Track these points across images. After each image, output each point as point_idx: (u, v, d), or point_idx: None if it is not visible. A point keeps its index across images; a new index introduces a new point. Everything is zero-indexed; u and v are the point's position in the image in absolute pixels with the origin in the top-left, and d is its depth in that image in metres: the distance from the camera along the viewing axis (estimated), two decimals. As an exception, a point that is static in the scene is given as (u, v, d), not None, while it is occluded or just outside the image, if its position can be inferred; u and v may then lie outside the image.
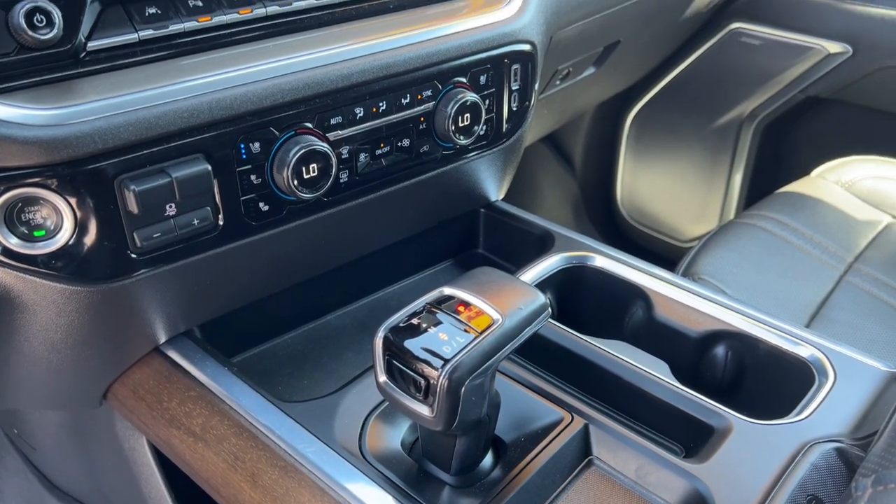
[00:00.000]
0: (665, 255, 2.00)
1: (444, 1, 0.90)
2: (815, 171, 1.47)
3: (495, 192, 1.06)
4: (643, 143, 1.95)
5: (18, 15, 0.60)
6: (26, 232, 0.65)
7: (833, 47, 1.56)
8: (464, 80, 0.88)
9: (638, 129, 1.94)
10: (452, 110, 0.86)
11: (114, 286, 0.70)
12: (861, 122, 1.66)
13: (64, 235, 0.66)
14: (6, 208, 0.63)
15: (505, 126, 0.96)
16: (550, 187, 2.03)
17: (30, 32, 0.61)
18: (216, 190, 0.72)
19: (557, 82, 1.29)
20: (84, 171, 0.64)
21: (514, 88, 0.95)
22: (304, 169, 0.75)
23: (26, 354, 0.79)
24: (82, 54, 0.66)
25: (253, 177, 0.74)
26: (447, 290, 0.65)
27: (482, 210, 1.07)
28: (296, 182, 0.75)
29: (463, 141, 0.89)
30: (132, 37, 0.68)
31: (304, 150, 0.74)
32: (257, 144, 0.73)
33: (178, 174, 0.68)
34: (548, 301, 0.68)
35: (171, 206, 0.69)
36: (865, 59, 1.54)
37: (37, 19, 0.61)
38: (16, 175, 0.62)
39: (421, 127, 0.86)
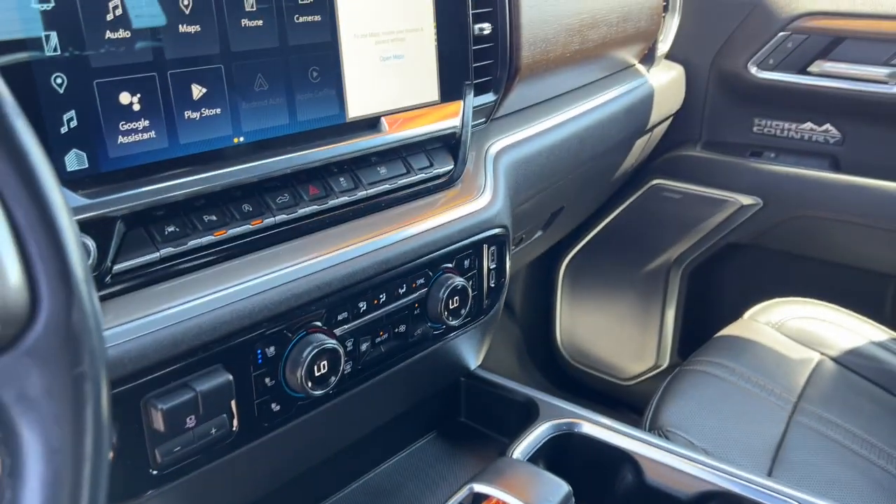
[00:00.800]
0: (607, 392, 2.08)
1: (426, 196, 0.96)
2: (747, 314, 1.59)
3: (474, 360, 1.10)
4: (578, 289, 2.06)
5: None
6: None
7: (746, 200, 1.73)
8: (451, 265, 0.94)
9: (572, 275, 2.05)
10: (444, 295, 0.91)
11: (130, 506, 0.69)
12: (779, 265, 1.82)
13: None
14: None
15: (485, 302, 1.02)
16: (494, 333, 2.09)
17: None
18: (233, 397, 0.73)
19: (513, 247, 1.38)
20: (113, 394, 0.64)
21: (491, 268, 1.01)
22: (315, 367, 0.77)
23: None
24: (107, 277, 0.68)
25: (267, 379, 0.76)
26: (478, 488, 0.67)
27: (463, 379, 1.11)
28: (308, 382, 0.77)
29: (453, 322, 0.93)
30: (154, 256, 0.71)
31: (316, 350, 0.77)
32: (272, 348, 0.75)
33: (202, 388, 0.69)
34: (570, 490, 0.71)
35: (191, 419, 0.70)
36: (775, 209, 1.71)
37: (74, 252, 0.63)
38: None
39: (416, 312, 0.91)
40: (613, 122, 1.44)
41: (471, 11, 1.00)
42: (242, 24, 0.75)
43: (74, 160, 0.66)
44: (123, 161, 0.69)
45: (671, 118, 1.77)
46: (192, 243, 0.73)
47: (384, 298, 0.86)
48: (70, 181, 0.65)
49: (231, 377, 0.71)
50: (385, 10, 0.89)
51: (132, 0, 0.67)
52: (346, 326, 0.82)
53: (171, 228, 0.73)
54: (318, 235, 0.84)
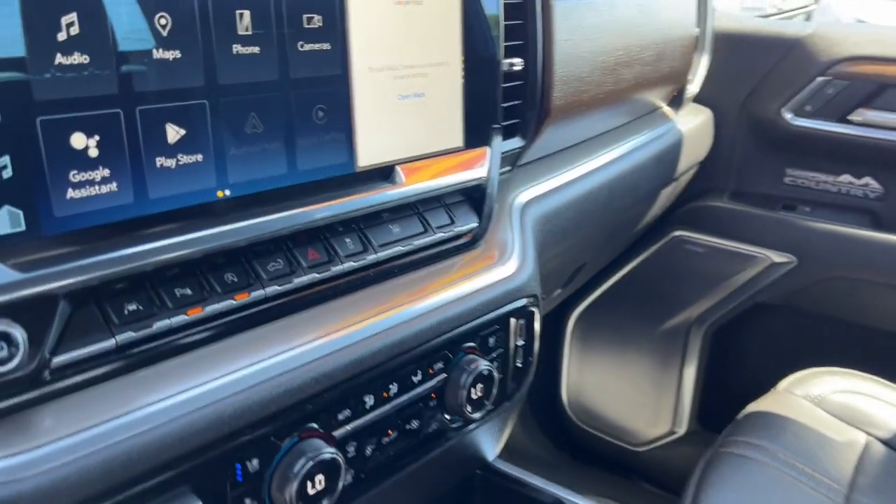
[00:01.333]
0: (617, 459, 1.91)
1: (445, 258, 0.81)
2: (782, 385, 1.44)
3: (493, 451, 0.94)
4: (589, 344, 1.90)
5: (-29, 346, 0.46)
6: None
7: (777, 257, 1.59)
8: (473, 344, 0.78)
9: (583, 329, 1.90)
10: (466, 382, 0.75)
11: None
12: (813, 329, 1.68)
13: None
14: None
15: (510, 385, 0.86)
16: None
17: (-15, 366, 0.47)
18: (203, 528, 0.57)
19: (532, 310, 1.23)
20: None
21: (519, 345, 0.86)
22: (309, 483, 0.61)
23: None
24: (45, 373, 0.52)
25: (248, 500, 0.59)
26: None
27: (478, 472, 0.95)
28: (300, 502, 0.61)
29: (475, 415, 0.78)
30: (108, 343, 0.55)
31: (311, 462, 0.61)
32: (255, 461, 0.59)
33: (165, 519, 0.53)
34: None
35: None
36: (809, 268, 1.57)
37: (-4, 348, 0.47)
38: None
39: (431, 404, 0.75)
40: (643, 171, 1.30)
41: (503, 44, 0.85)
42: (234, 50, 0.61)
43: (7, 221, 0.50)
44: (73, 221, 0.53)
45: (697, 166, 1.64)
46: (159, 326, 0.57)
47: (395, 389, 0.70)
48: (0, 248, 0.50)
49: (200, 502, 0.55)
50: (407, 39, 0.74)
51: (92, 16, 0.52)
52: (348, 427, 0.66)
53: (132, 307, 0.57)
54: (316, 311, 0.68)
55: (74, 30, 0.52)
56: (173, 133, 0.58)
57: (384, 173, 0.75)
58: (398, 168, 0.76)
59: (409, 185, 0.76)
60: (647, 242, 1.73)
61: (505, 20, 0.88)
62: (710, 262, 1.67)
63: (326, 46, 0.67)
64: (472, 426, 0.82)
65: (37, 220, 0.51)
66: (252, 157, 0.63)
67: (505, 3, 0.87)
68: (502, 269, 0.84)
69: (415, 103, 0.77)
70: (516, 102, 0.95)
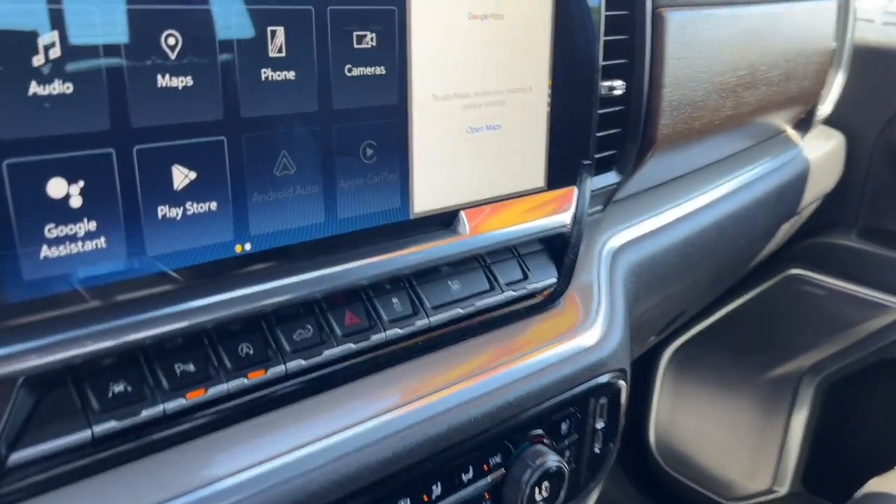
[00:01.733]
0: (706, 511, 1.73)
1: (513, 321, 0.68)
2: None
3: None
4: (683, 383, 1.73)
5: None
6: None
7: (913, 308, 1.37)
8: (541, 432, 0.65)
9: (678, 367, 1.72)
10: (530, 480, 0.62)
11: None
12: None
13: None
14: None
15: (583, 475, 0.72)
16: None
17: None
18: None
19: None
20: None
21: (598, 428, 0.72)
22: None
23: None
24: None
25: None
26: None
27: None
28: None
29: (538, 520, 0.64)
30: (82, 435, 0.45)
31: None
32: (253, 585, 0.48)
33: None
34: None
35: None
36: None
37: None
38: None
39: (484, 504, 0.62)
40: (761, 206, 1.12)
41: (601, 64, 0.71)
42: (263, 76, 0.49)
43: (-40, 286, 0.41)
44: (47, 285, 0.43)
45: (822, 197, 1.43)
46: (148, 413, 0.47)
47: (439, 492, 0.58)
48: (-49, 319, 0.40)
49: None
50: (482, 60, 0.61)
51: (79, 34, 0.42)
52: (376, 540, 0.54)
53: (118, 388, 0.47)
54: (343, 390, 0.56)
55: (55, 52, 0.41)
56: (180, 176, 0.47)
57: (445, 219, 0.62)
58: (462, 214, 0.63)
59: (474, 235, 0.63)
60: (757, 279, 1.54)
61: (605, 35, 0.74)
62: (830, 307, 1.47)
63: (380, 70, 0.55)
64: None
65: (3, 284, 0.42)
66: (281, 205, 0.52)
67: (606, 15, 0.73)
68: (584, 336, 0.70)
69: (487, 137, 0.64)
70: (614, 131, 0.81)
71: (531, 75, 0.66)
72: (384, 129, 0.57)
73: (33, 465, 0.43)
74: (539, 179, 0.70)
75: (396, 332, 0.59)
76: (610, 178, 0.82)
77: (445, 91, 0.60)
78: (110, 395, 0.46)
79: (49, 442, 0.44)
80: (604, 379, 0.70)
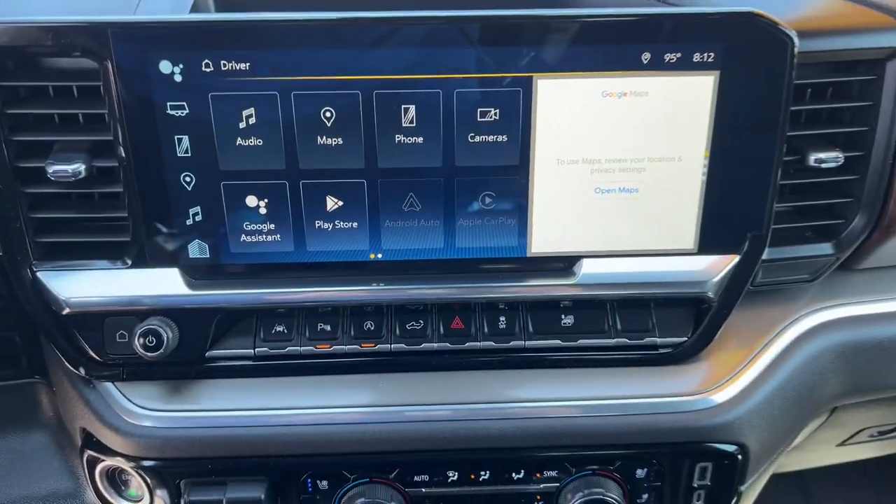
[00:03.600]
0: None
1: (605, 366, 0.74)
2: None
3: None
4: None
5: (135, 336, 0.69)
6: (124, 490, 0.75)
7: None
8: (610, 468, 0.72)
9: None
10: (575, 500, 0.71)
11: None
12: None
13: (145, 504, 0.74)
14: (107, 471, 0.74)
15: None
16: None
17: (140, 350, 0.69)
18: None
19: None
20: (160, 471, 0.71)
21: (695, 486, 0.74)
22: (365, 519, 0.71)
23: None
24: (202, 360, 0.73)
25: (311, 510, 0.73)
26: None
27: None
28: (353, 534, 0.72)
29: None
30: (248, 352, 0.73)
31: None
32: (325, 483, 0.72)
33: (231, 495, 0.71)
34: None
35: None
36: None
37: (148, 340, 0.69)
38: (112, 452, 0.72)
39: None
40: None
41: (784, 133, 0.68)
42: (396, 140, 0.67)
43: (196, 249, 0.70)
44: (244, 257, 0.71)
45: None
46: (290, 349, 0.73)
47: (486, 476, 0.72)
48: (190, 267, 0.70)
49: (262, 496, 0.71)
50: (616, 132, 0.68)
51: (268, 110, 0.66)
52: (423, 490, 0.72)
53: (279, 328, 0.73)
54: (427, 377, 0.73)
55: (252, 120, 0.66)
56: (332, 203, 0.69)
57: (564, 262, 0.72)
58: (583, 261, 0.72)
59: (588, 281, 0.71)
60: None
61: (817, 102, 0.69)
62: None
63: (504, 138, 0.67)
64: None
65: (217, 252, 0.70)
66: (407, 230, 0.70)
67: (814, 83, 0.69)
68: (711, 391, 0.72)
69: (620, 198, 0.70)
70: (841, 200, 0.75)
71: (680, 146, 0.68)
72: (504, 184, 0.69)
73: (219, 360, 0.73)
74: (687, 242, 0.72)
75: (490, 344, 0.73)
76: (822, 248, 0.76)
77: (571, 157, 0.68)
78: (272, 331, 0.73)
79: (230, 350, 0.73)
80: (721, 445, 0.72)
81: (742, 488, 0.75)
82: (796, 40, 0.64)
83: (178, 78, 0.64)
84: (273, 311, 0.73)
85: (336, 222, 0.70)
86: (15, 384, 0.81)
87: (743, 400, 0.73)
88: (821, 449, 0.97)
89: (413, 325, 0.73)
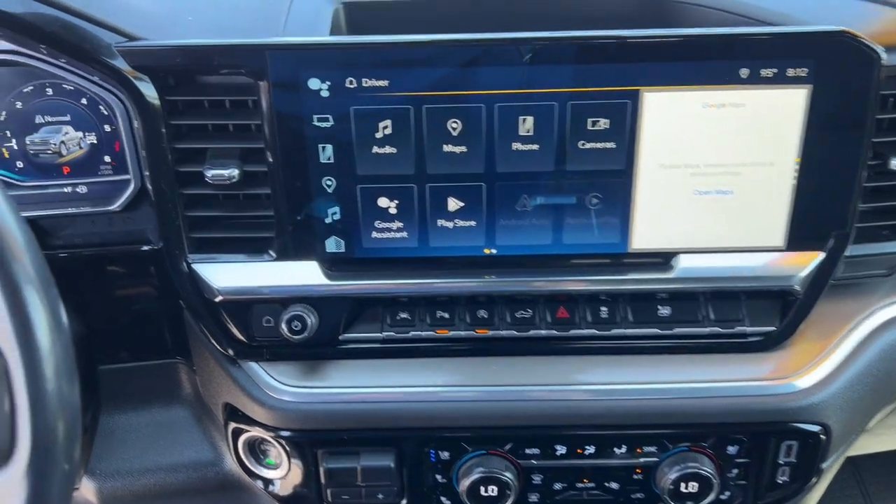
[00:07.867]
0: None
1: (699, 353, 0.81)
2: None
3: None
4: None
5: (282, 321, 0.78)
6: (262, 458, 0.85)
7: None
8: (704, 444, 0.80)
9: None
10: (673, 476, 0.79)
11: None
12: None
13: (281, 472, 0.83)
14: (249, 442, 0.83)
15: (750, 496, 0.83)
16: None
17: (287, 334, 0.78)
18: (403, 478, 0.81)
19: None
20: (299, 441, 0.80)
21: (781, 462, 0.81)
22: (481, 489, 0.79)
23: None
24: (336, 342, 0.82)
25: (438, 476, 0.81)
26: None
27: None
28: (469, 499, 0.80)
29: (684, 508, 0.81)
30: (377, 335, 0.82)
31: (482, 475, 0.79)
32: (446, 453, 0.80)
33: (364, 463, 0.79)
34: None
35: (359, 482, 0.81)
36: None
37: (294, 325, 0.78)
38: (256, 423, 0.82)
39: (635, 477, 0.81)
40: None
41: (870, 140, 0.74)
42: (513, 147, 0.75)
43: (333, 244, 0.79)
44: (375, 252, 0.79)
45: None
46: (413, 334, 0.81)
47: (591, 451, 0.80)
48: (328, 260, 0.79)
49: (391, 465, 0.80)
50: (714, 140, 0.74)
51: (401, 122, 0.74)
52: (534, 462, 0.80)
53: (403, 315, 0.82)
54: (540, 361, 0.81)
55: (388, 131, 0.75)
56: (454, 204, 0.78)
57: (662, 257, 0.79)
58: (680, 256, 0.79)
59: (685, 275, 0.78)
60: None
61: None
62: None
63: (611, 145, 0.75)
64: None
65: (352, 247, 0.79)
66: (520, 228, 0.78)
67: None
68: (792, 376, 0.79)
69: (716, 199, 0.77)
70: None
71: (773, 152, 0.75)
72: (610, 186, 0.77)
73: (351, 342, 0.81)
74: (778, 240, 0.79)
75: (593, 332, 0.80)
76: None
77: (673, 161, 0.76)
78: (398, 318, 0.81)
79: (361, 333, 0.81)
80: (802, 424, 0.78)
81: (824, 465, 0.81)
82: (884, 56, 0.70)
83: (324, 93, 0.73)
84: (398, 299, 0.82)
85: (456, 221, 0.78)
86: (159, 363, 0.91)
87: (826, 385, 0.79)
88: (890, 433, 1.02)
89: (522, 313, 0.81)
